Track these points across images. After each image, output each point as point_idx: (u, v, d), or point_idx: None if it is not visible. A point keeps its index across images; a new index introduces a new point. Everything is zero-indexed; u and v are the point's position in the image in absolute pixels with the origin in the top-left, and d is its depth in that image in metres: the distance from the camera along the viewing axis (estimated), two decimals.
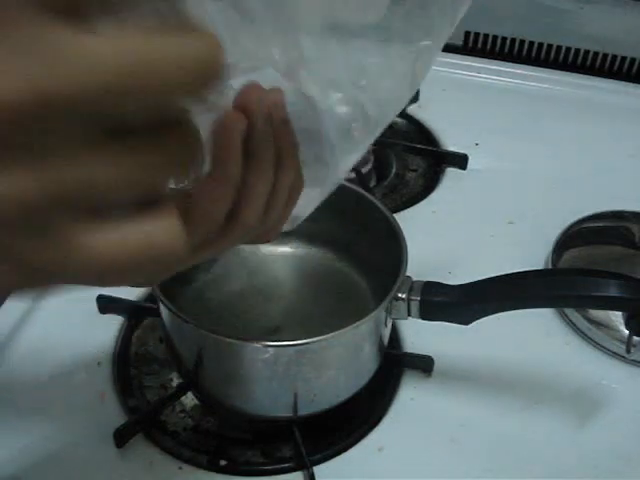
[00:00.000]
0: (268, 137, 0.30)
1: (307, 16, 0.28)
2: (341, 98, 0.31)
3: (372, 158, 0.79)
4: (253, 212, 0.31)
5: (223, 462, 0.52)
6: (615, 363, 0.60)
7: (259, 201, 0.31)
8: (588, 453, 0.54)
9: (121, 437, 0.52)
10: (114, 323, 0.62)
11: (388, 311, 0.51)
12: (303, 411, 0.52)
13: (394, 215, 0.56)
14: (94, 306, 0.62)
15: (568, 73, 0.94)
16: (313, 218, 0.36)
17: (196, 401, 0.56)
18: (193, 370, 0.52)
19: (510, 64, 0.95)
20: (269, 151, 0.30)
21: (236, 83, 0.29)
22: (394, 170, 0.81)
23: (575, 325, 0.62)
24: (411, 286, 0.51)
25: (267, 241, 0.35)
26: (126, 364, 0.59)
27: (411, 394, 0.57)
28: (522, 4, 0.94)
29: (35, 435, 0.53)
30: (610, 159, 0.81)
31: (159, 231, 0.22)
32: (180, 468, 0.52)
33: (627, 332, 0.61)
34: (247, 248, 0.59)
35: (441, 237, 0.70)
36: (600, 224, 0.70)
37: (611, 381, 0.59)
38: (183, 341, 0.52)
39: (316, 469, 0.51)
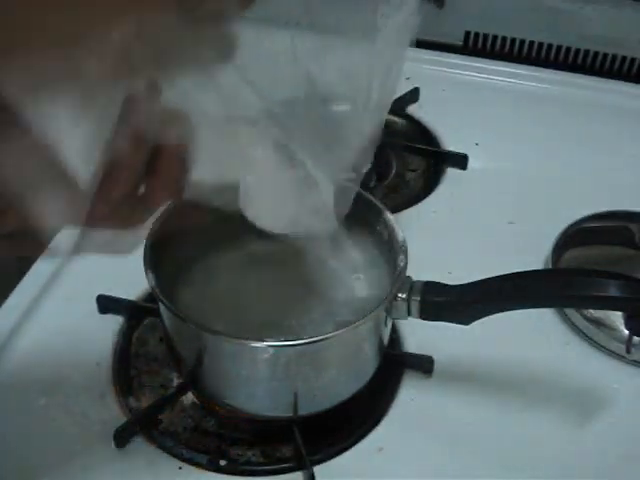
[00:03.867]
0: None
1: None
2: None
3: (372, 158, 0.78)
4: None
5: (223, 462, 0.52)
6: (615, 363, 0.60)
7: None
8: (588, 453, 0.54)
9: (121, 437, 0.52)
10: (114, 323, 0.62)
11: (388, 311, 0.51)
12: (303, 411, 0.52)
13: (394, 215, 0.56)
14: (94, 306, 0.62)
15: (568, 73, 0.94)
16: None
17: (196, 401, 0.56)
18: (193, 370, 0.52)
19: (510, 64, 0.95)
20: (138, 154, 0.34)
21: None
22: (394, 170, 0.81)
23: (575, 325, 0.62)
24: (411, 286, 0.51)
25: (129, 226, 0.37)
26: (126, 364, 0.59)
27: (411, 394, 0.57)
28: (522, 4, 0.94)
29: (35, 435, 0.53)
30: (610, 159, 0.81)
31: None
32: (180, 468, 0.52)
33: (627, 332, 0.61)
34: (247, 247, 0.59)
35: (441, 237, 0.70)
36: (600, 224, 0.70)
37: (611, 381, 0.59)
38: (183, 341, 0.52)
39: (316, 469, 0.51)
